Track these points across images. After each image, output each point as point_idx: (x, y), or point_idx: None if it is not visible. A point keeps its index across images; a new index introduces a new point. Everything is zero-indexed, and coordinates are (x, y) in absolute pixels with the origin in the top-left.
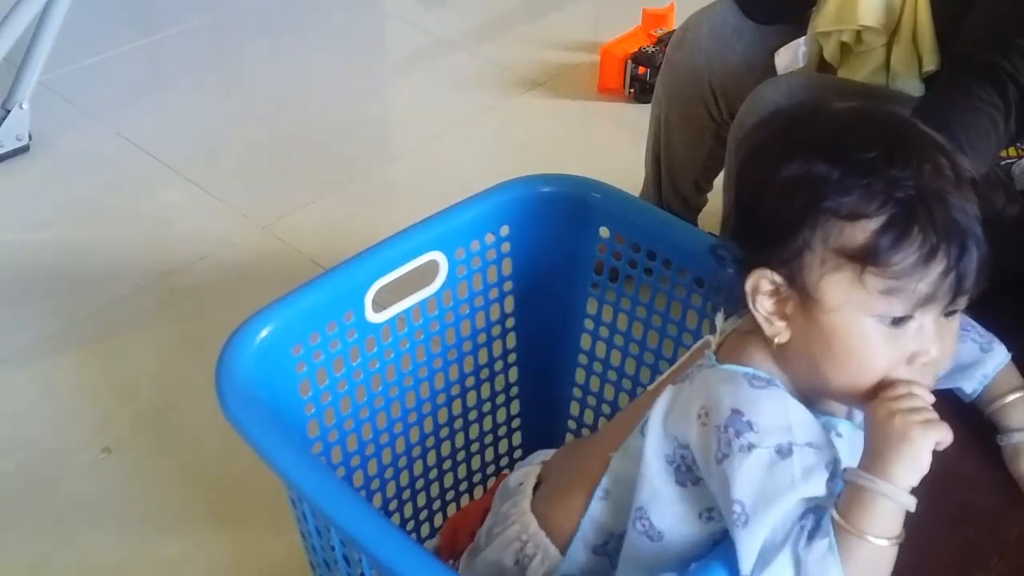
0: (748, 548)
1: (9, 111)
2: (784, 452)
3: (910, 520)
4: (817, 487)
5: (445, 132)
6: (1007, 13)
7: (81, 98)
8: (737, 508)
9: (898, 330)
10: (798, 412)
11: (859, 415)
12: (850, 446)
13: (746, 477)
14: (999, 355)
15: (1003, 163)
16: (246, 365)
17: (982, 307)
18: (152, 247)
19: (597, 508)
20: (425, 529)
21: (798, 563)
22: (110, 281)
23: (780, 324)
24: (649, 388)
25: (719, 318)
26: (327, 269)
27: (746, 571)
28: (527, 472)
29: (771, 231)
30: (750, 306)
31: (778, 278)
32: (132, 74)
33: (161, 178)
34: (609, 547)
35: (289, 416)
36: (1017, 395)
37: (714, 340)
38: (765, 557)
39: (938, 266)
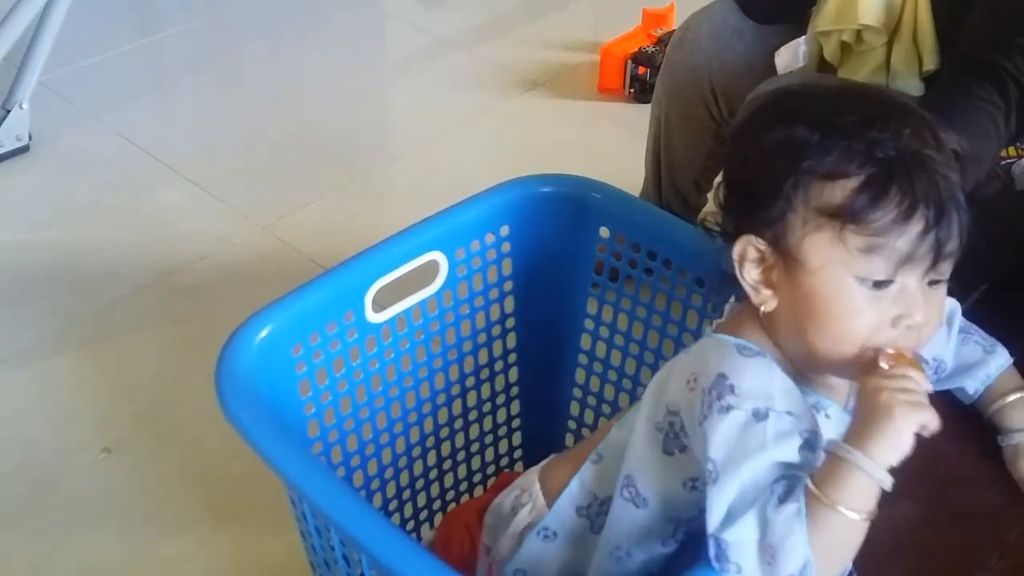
0: (716, 504)
1: (9, 111)
2: (760, 415)
3: (911, 520)
4: (788, 452)
5: (445, 132)
6: (1007, 13)
7: (81, 98)
8: (710, 466)
9: (880, 292)
10: (783, 382)
11: (853, 401)
12: (836, 430)
13: (721, 436)
14: (1001, 357)
15: (1003, 163)
16: (246, 365)
17: (984, 307)
18: (152, 247)
19: (587, 470)
20: (425, 529)
21: (764, 524)
22: (110, 281)
23: (767, 292)
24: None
25: (730, 304)
26: (327, 269)
27: (712, 527)
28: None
29: (755, 196)
30: (738, 276)
31: (762, 244)
32: (132, 74)
33: (161, 178)
34: (591, 510)
35: (289, 416)
36: (1018, 395)
37: (716, 319)
38: (731, 515)
39: (916, 225)
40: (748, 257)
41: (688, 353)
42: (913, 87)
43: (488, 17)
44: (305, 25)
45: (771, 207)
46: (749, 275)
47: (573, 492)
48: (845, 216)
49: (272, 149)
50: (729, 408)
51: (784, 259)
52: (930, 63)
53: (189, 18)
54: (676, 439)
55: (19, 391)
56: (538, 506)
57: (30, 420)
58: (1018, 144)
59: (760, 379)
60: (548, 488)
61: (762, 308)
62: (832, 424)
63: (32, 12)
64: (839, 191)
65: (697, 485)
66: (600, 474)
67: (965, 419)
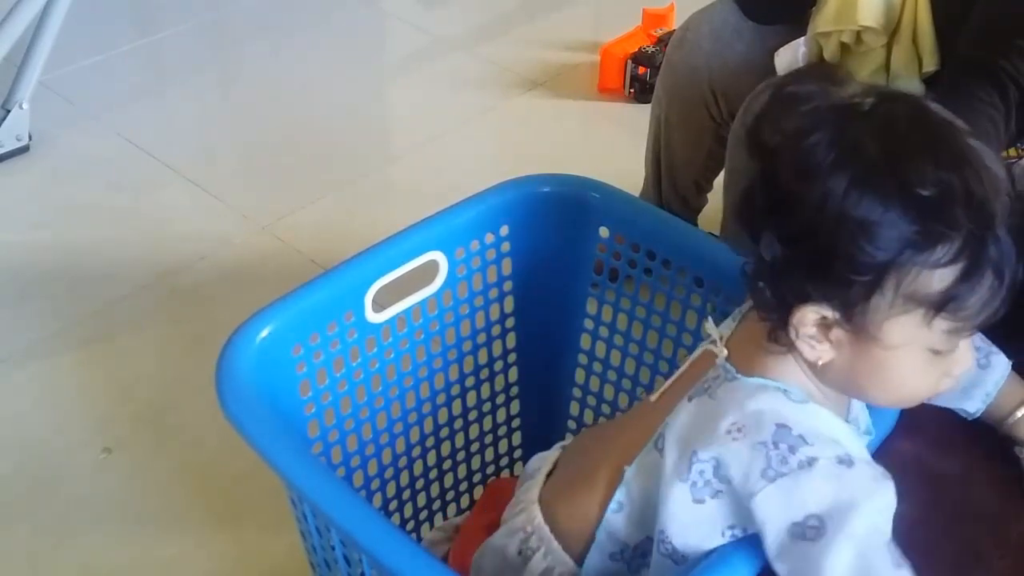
0: (831, 564)
1: (9, 111)
2: (846, 462)
3: (910, 520)
4: (887, 497)
5: (445, 132)
6: (1007, 14)
7: (81, 98)
8: (814, 522)
9: (942, 356)
10: (840, 426)
11: (863, 420)
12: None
13: (819, 489)
14: (998, 369)
15: (1003, 163)
16: (246, 365)
17: None
18: (152, 247)
19: (612, 520)
20: (425, 529)
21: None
22: (110, 281)
23: (823, 347)
24: (652, 397)
25: (709, 324)
26: (327, 269)
27: None
28: (546, 457)
29: (830, 270)
30: (791, 334)
31: (830, 313)
32: (132, 74)
33: (161, 178)
34: (626, 555)
35: (289, 416)
36: None
37: (719, 348)
38: (859, 566)
39: (998, 301)
40: (806, 323)
41: (715, 398)
42: (913, 88)
43: (488, 17)
44: (305, 25)
45: (852, 288)
46: (805, 333)
47: (602, 544)
48: (942, 305)
49: (272, 149)
50: (813, 460)
51: (855, 330)
52: (930, 64)
53: (189, 18)
54: (708, 486)
55: (19, 391)
56: (553, 551)
57: (30, 420)
58: (1018, 145)
59: (824, 425)
60: (561, 531)
61: (818, 362)
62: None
63: (32, 12)
64: (937, 280)
65: (736, 531)
66: (626, 522)
67: (964, 418)
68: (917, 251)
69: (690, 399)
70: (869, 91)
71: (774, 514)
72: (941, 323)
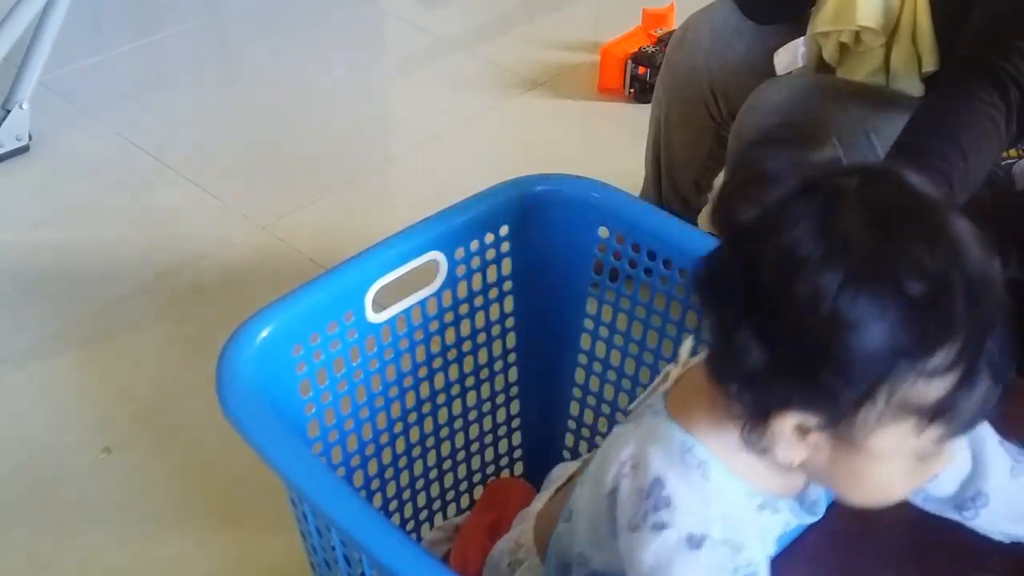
0: None
1: (9, 111)
2: (694, 543)
3: (909, 520)
4: None
5: (445, 132)
6: (1007, 14)
7: (81, 98)
8: None
9: (929, 457)
10: (722, 504)
11: (811, 495)
12: (786, 522)
13: (649, 557)
14: None
15: (1003, 163)
16: (246, 365)
17: None
18: (152, 247)
19: (560, 529)
20: (425, 529)
21: None
22: (110, 281)
23: (799, 450)
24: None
25: (684, 347)
26: (327, 269)
27: None
28: (567, 467)
29: (822, 379)
30: (765, 442)
31: (812, 420)
32: (132, 74)
33: (161, 178)
34: (572, 573)
35: (289, 416)
36: None
37: (673, 375)
38: None
39: (992, 402)
40: (785, 432)
41: (639, 425)
42: (913, 87)
43: (488, 17)
44: (305, 25)
45: (840, 397)
46: (782, 438)
47: (552, 554)
48: (935, 414)
49: (272, 149)
50: (662, 527)
51: (837, 436)
52: (929, 64)
53: (189, 18)
54: (613, 523)
55: (19, 391)
56: (533, 567)
57: (30, 420)
58: (1019, 146)
59: (698, 497)
60: (539, 537)
61: (790, 464)
62: (782, 518)
63: (32, 12)
64: (933, 389)
65: None
66: (567, 534)
67: None
68: (915, 359)
69: (627, 420)
70: (851, 168)
71: (627, 562)
72: (933, 431)
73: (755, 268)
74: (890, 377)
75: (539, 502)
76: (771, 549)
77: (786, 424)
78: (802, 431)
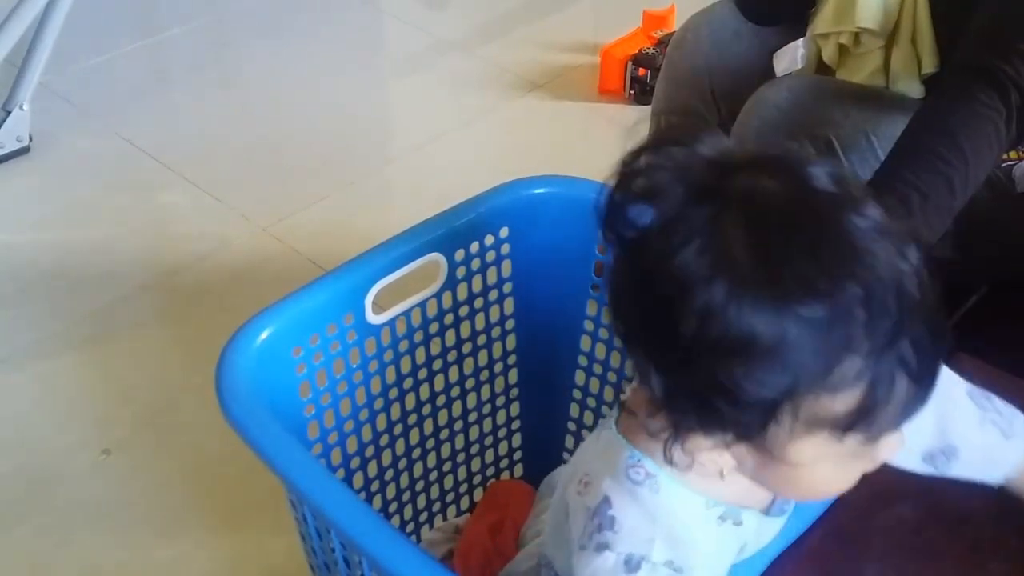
0: None
1: (9, 112)
2: (632, 566)
3: (910, 522)
4: None
5: (445, 133)
6: (1008, 16)
7: (81, 99)
8: None
9: (864, 453)
10: (668, 527)
11: (779, 506)
12: (756, 534)
13: None
14: (1022, 436)
15: (1003, 165)
16: (246, 366)
17: (983, 309)
18: (152, 247)
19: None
20: (425, 531)
21: None
22: (110, 281)
23: (725, 459)
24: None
25: None
26: (327, 271)
27: None
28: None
29: (715, 405)
30: (687, 458)
31: (727, 437)
32: (132, 75)
33: (161, 178)
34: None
35: (289, 418)
36: None
37: (629, 388)
38: None
39: (921, 399)
40: (701, 449)
41: (598, 439)
42: (913, 89)
43: (488, 18)
44: (305, 25)
45: (745, 422)
46: (701, 455)
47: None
48: (848, 425)
49: (272, 150)
50: (603, 547)
51: (756, 448)
52: (929, 66)
53: (190, 19)
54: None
55: (19, 391)
56: None
57: (30, 420)
58: (1019, 148)
59: (643, 517)
60: None
61: (721, 473)
62: (749, 529)
63: (33, 13)
64: (841, 403)
65: None
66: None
67: None
68: (812, 378)
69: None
70: (743, 160)
71: None
72: (854, 438)
73: (646, 288)
74: (790, 397)
75: (547, 511)
76: (727, 564)
77: (701, 443)
78: (723, 444)
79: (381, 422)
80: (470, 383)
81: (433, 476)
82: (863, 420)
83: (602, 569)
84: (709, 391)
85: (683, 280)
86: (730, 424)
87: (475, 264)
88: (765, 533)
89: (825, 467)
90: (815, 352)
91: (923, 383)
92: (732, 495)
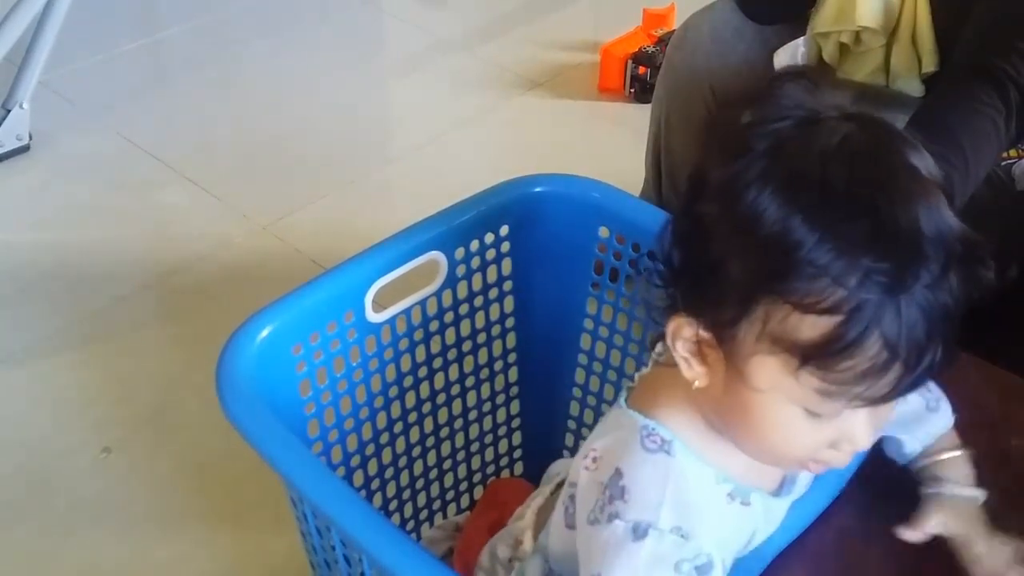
0: None
1: (9, 111)
2: (639, 533)
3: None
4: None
5: (445, 132)
6: (1007, 15)
7: (81, 98)
8: None
9: (824, 420)
10: (677, 492)
11: (787, 489)
12: (765, 515)
13: (598, 548)
14: (944, 417)
15: (1003, 163)
16: (246, 365)
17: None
18: (152, 247)
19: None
20: (425, 528)
21: None
22: (110, 281)
23: (700, 369)
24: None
25: (661, 345)
26: (327, 269)
27: None
28: (567, 463)
29: (704, 283)
30: (668, 342)
31: (703, 333)
32: (132, 74)
33: (161, 178)
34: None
35: (289, 416)
36: (953, 454)
37: (639, 377)
38: None
39: (891, 375)
40: (681, 335)
41: (604, 421)
42: (913, 88)
43: (488, 17)
44: (305, 25)
45: (722, 308)
46: (681, 347)
47: (542, 548)
48: (806, 356)
49: (272, 149)
50: (613, 517)
51: (726, 356)
52: (929, 64)
53: (189, 18)
54: (574, 515)
55: (19, 391)
56: (533, 564)
57: (30, 420)
58: (1019, 146)
59: (653, 485)
60: (537, 526)
61: (694, 384)
62: (752, 513)
63: (32, 12)
64: (807, 327)
65: None
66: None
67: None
68: (792, 284)
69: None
70: (845, 117)
71: (581, 556)
72: (809, 378)
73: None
74: (764, 297)
75: (540, 497)
76: (734, 551)
77: (682, 329)
78: (698, 344)
79: (381, 420)
80: (470, 381)
81: (433, 474)
82: (821, 356)
83: (612, 538)
84: (710, 269)
85: (736, 162)
86: (712, 306)
87: (475, 262)
88: (773, 517)
89: (782, 407)
90: (796, 259)
91: (898, 366)
92: (741, 472)
